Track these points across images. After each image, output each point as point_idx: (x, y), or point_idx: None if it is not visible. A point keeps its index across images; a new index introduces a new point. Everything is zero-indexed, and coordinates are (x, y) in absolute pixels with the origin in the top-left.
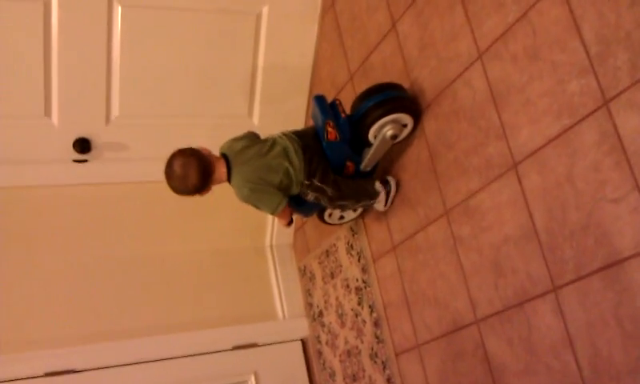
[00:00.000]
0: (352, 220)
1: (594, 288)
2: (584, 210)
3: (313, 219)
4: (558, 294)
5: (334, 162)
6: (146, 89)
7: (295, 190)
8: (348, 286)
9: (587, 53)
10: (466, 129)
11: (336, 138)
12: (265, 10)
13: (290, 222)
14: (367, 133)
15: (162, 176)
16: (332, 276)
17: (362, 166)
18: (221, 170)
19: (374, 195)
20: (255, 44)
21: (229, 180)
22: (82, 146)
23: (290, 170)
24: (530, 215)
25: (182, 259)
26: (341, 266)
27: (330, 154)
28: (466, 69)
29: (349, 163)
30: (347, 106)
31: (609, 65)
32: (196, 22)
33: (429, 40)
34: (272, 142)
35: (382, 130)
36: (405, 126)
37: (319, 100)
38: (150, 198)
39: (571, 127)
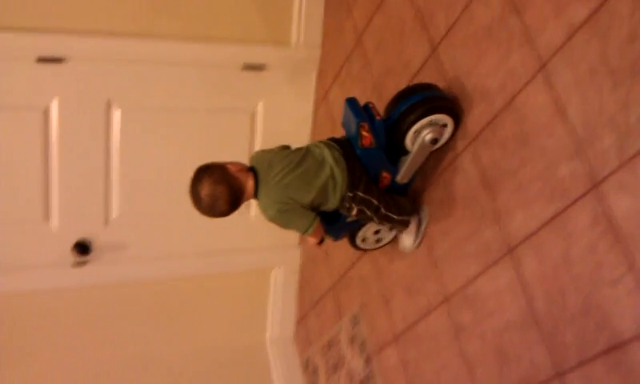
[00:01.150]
0: (387, 243)
1: (597, 372)
2: (583, 293)
3: (315, 308)
4: (562, 380)
5: (369, 171)
6: (144, 188)
7: (332, 205)
8: (352, 380)
9: (574, 137)
10: (461, 214)
11: (371, 143)
12: (260, 106)
13: (321, 241)
14: (404, 139)
15: (164, 274)
16: (335, 369)
17: (399, 178)
18: (249, 185)
19: (411, 214)
20: (251, 138)
21: (255, 196)
22: (82, 248)
23: (329, 181)
24: (530, 300)
25: (184, 360)
26: (344, 357)
27: (364, 161)
28: (458, 155)
29: (385, 174)
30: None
31: (596, 148)
32: (193, 122)
33: None
34: (305, 152)
35: (421, 135)
36: (444, 126)
37: (352, 102)
38: (150, 298)
39: (564, 210)
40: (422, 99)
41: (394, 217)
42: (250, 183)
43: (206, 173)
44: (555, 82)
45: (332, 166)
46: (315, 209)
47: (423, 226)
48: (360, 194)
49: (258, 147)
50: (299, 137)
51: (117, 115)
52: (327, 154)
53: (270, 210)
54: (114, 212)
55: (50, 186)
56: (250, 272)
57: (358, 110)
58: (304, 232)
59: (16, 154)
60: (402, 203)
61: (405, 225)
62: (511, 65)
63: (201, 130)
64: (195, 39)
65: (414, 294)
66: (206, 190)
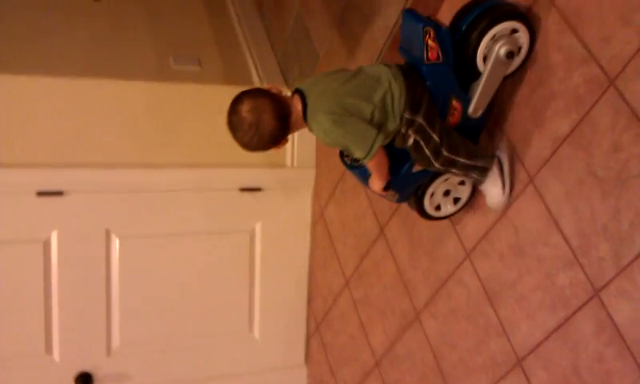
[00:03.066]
0: (463, 207)
1: None
2: None
3: None
4: None
5: (437, 98)
6: (145, 317)
7: (392, 127)
8: None
9: (570, 246)
10: (466, 327)
11: (438, 57)
12: (258, 227)
13: (387, 186)
14: (474, 56)
15: None
16: None
17: (471, 110)
18: (296, 106)
19: (490, 160)
20: (251, 259)
21: (304, 118)
22: (84, 380)
23: (387, 95)
24: None
25: None
26: None
27: (431, 82)
28: (457, 268)
29: (455, 103)
30: None
31: (592, 256)
32: (192, 246)
33: (417, 242)
34: (357, 69)
35: (494, 49)
36: (518, 37)
37: (411, 12)
38: None
39: (567, 319)
40: (492, 5)
41: (463, 161)
42: (296, 104)
43: (243, 93)
44: (545, 193)
45: (390, 79)
46: (378, 128)
47: (506, 169)
48: (419, 120)
49: (258, 268)
50: (298, 255)
51: (116, 244)
52: (383, 69)
53: (324, 123)
54: (116, 341)
55: (51, 317)
56: None
57: (421, 16)
58: (367, 152)
59: (17, 286)
60: (476, 147)
61: (481, 172)
62: None
63: (200, 254)
64: (192, 166)
65: None
66: (247, 105)
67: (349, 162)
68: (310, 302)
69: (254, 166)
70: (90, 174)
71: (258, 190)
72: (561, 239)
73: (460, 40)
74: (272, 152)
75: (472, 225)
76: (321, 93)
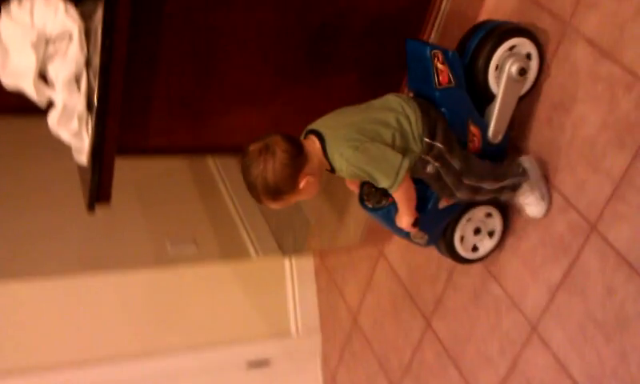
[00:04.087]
0: (502, 237)
1: None
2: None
3: None
4: None
5: (454, 124)
6: None
7: (416, 149)
8: None
9: None
10: None
11: (450, 80)
12: None
13: (416, 222)
14: (486, 78)
15: None
16: None
17: (491, 134)
18: (314, 145)
19: (518, 176)
20: None
21: (325, 154)
22: None
23: (401, 118)
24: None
25: None
26: None
27: (446, 108)
28: None
29: (473, 128)
30: None
31: None
32: None
33: None
34: (368, 103)
35: (504, 69)
36: (528, 56)
37: (413, 41)
38: None
39: None
40: (494, 27)
41: (488, 187)
42: (312, 144)
43: (250, 145)
44: (550, 341)
45: (401, 103)
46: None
47: (536, 177)
48: (438, 144)
49: None
50: None
51: None
52: (392, 97)
53: (346, 152)
54: None
55: None
56: None
57: (425, 42)
58: (394, 178)
59: None
60: (501, 167)
61: (512, 190)
62: (504, 329)
63: None
64: (197, 346)
65: None
66: (256, 144)
67: (371, 206)
68: None
69: (259, 338)
70: (93, 373)
71: (265, 363)
72: None
73: (469, 63)
74: (300, 193)
75: (484, 378)
76: (337, 126)
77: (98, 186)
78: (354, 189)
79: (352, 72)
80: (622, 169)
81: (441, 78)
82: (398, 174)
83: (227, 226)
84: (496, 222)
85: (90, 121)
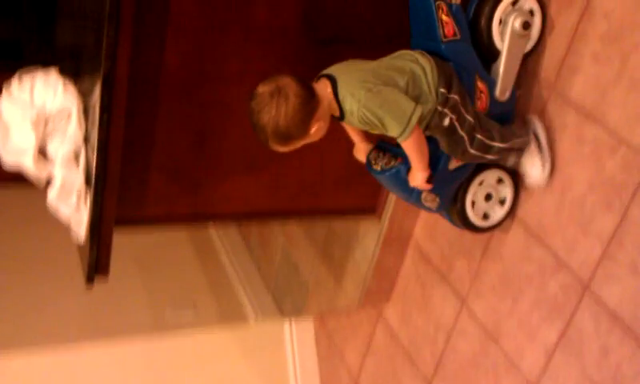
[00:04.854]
0: (512, 206)
1: None
2: None
3: None
4: None
5: (462, 79)
6: None
7: (430, 101)
8: None
9: None
10: None
11: (455, 33)
12: None
13: (430, 178)
14: (490, 34)
15: None
16: None
17: (498, 93)
18: (326, 89)
19: (526, 138)
20: None
21: (336, 96)
22: None
23: (415, 68)
24: None
25: None
26: None
27: (454, 61)
28: None
29: (480, 84)
30: None
31: None
32: None
33: None
34: (383, 57)
35: (508, 23)
36: (531, 13)
37: None
38: None
39: None
40: None
41: (498, 145)
42: (324, 87)
43: (259, 87)
44: None
45: (415, 55)
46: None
47: (544, 141)
48: (454, 96)
49: None
50: None
51: None
52: (405, 51)
53: (357, 94)
54: None
55: None
56: None
57: None
58: (405, 125)
59: None
60: (506, 128)
61: (519, 153)
62: None
63: None
64: None
65: None
66: (264, 86)
67: (379, 169)
68: None
69: None
70: None
71: None
72: None
73: (472, 19)
74: (309, 137)
75: None
76: (351, 71)
77: (97, 260)
78: (361, 157)
79: (345, 142)
80: (611, 230)
81: (446, 30)
82: (410, 120)
83: (227, 289)
84: (507, 190)
85: (88, 195)
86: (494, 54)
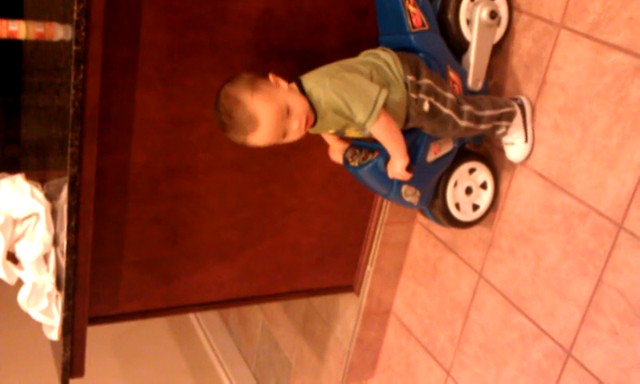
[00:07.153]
0: (481, 218)
1: None
2: None
3: None
4: None
5: (432, 69)
6: None
7: (398, 91)
8: None
9: None
10: None
11: (423, 23)
12: None
13: (409, 167)
14: (458, 23)
15: None
16: None
17: (471, 82)
18: (292, 87)
19: (513, 104)
20: None
21: (301, 88)
22: None
23: (379, 63)
24: None
25: None
26: None
27: (423, 52)
28: None
29: (452, 75)
30: None
31: None
32: None
33: None
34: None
35: (475, 14)
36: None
37: None
38: None
39: None
40: None
41: (489, 113)
42: (291, 87)
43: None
44: None
45: (376, 52)
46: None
47: (529, 114)
48: (425, 81)
49: None
50: None
51: None
52: (366, 51)
53: (321, 80)
54: None
55: None
56: None
57: None
58: (371, 108)
59: None
60: (493, 96)
61: (509, 118)
62: None
63: None
64: None
65: None
66: (227, 90)
67: (357, 165)
68: None
69: None
70: None
71: None
72: None
73: (439, 11)
74: (287, 132)
75: None
76: (314, 70)
77: (71, 361)
78: (337, 158)
79: (316, 223)
80: (589, 295)
81: (414, 20)
82: (376, 103)
83: (207, 372)
84: (483, 173)
85: (59, 298)
86: (464, 45)
